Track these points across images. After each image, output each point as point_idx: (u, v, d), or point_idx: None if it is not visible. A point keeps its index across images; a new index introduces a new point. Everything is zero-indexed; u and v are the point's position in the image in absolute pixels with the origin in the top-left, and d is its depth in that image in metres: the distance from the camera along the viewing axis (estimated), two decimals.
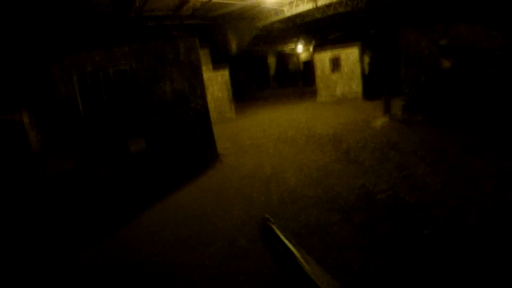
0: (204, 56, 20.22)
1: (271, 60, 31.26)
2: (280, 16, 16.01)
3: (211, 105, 18.86)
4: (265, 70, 32.29)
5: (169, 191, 8.46)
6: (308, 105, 19.41)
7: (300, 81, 28.52)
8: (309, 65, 24.64)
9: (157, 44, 8.96)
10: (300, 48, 25.57)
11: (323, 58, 19.47)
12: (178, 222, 6.62)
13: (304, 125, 13.64)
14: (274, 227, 3.25)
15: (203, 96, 9.56)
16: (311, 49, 22.99)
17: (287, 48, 27.42)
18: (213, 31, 18.47)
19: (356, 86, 17.86)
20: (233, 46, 18.36)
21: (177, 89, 9.15)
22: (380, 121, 11.20)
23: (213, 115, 18.81)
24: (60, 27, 12.55)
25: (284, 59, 31.21)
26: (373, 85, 17.42)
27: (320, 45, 20.53)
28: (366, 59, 18.05)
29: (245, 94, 28.09)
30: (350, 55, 17.78)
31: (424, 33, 11.04)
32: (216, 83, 18.93)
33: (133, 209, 7.70)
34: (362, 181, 6.97)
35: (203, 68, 20.21)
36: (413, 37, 11.24)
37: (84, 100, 11.38)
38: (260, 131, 13.97)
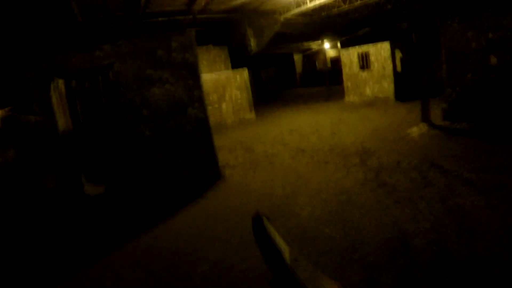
0: (222, 55, 18.74)
1: (297, 59, 29.46)
2: (302, 8, 14.23)
3: (228, 106, 17.40)
4: (291, 69, 30.49)
5: (159, 219, 6.90)
6: (335, 106, 17.53)
7: (327, 80, 26.53)
8: (337, 63, 22.64)
9: (145, 41, 7.45)
10: (327, 45, 23.61)
11: (351, 55, 17.53)
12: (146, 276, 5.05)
13: (329, 131, 11.85)
14: (266, 222, 2.66)
15: (201, 100, 7.95)
16: (339, 45, 21.03)
17: (314, 45, 25.52)
18: (230, 28, 16.90)
19: (388, 85, 15.81)
20: (252, 43, 16.70)
21: (170, 93, 7.61)
22: (417, 129, 9.27)
23: (231, 117, 17.34)
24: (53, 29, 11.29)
25: (311, 57, 29.32)
26: (407, 84, 15.32)
27: (348, 41, 18.58)
28: (398, 55, 15.98)
29: (269, 94, 26.41)
30: (381, 51, 15.72)
31: (470, 23, 9.05)
32: (235, 83, 17.33)
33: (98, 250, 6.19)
34: (394, 216, 5.16)
35: (221, 66, 18.78)
36: (457, 28, 9.26)
37: (63, 111, 10.16)
38: (278, 137, 12.28)
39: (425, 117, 9.37)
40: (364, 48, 16.62)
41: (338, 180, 7.02)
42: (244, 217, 6.16)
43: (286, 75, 30.73)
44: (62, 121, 11.37)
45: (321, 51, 27.20)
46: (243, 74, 17.67)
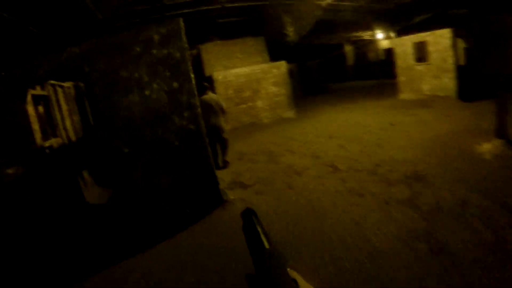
0: (258, 47, 16.55)
1: (348, 50, 26.47)
2: None
3: (264, 104, 15.18)
4: (342, 61, 27.57)
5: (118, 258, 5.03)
6: (387, 105, 14.59)
7: (380, 73, 23.40)
8: (391, 54, 19.64)
9: (118, 37, 5.51)
10: (379, 34, 20.56)
11: (405, 44, 14.58)
12: None
13: (375, 139, 9.25)
14: (255, 222, 1.38)
15: (192, 108, 5.83)
16: (392, 35, 18.04)
17: (366, 35, 22.47)
18: (266, 16, 14.63)
19: (449, 80, 12.75)
20: (291, 32, 14.32)
21: (149, 99, 5.61)
22: (489, 146, 6.50)
23: (267, 115, 15.14)
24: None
25: (363, 48, 26.19)
26: (472, 80, 12.20)
27: (403, 30, 15.59)
28: (461, 45, 12.84)
29: (316, 88, 23.82)
30: (440, 40, 12.59)
31: None
32: (271, 77, 15.10)
33: None
34: None
35: (258, 59, 16.56)
36: None
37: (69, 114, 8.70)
38: (312, 145, 9.91)
39: (501, 130, 6.58)
40: (420, 36, 13.58)
41: (371, 228, 4.63)
42: (220, 268, 4.10)
43: (336, 67, 27.86)
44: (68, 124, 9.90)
45: (374, 42, 24.07)
46: (281, 68, 15.38)
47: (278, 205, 6.01)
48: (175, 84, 5.68)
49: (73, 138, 10.06)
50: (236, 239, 4.95)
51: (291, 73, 21.05)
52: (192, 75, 5.80)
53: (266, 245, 1.40)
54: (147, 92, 5.61)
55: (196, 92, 5.86)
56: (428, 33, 13.21)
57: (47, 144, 7.83)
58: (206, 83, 9.31)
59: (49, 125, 8.68)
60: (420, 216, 4.68)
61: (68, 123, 9.81)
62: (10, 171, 9.91)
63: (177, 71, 5.69)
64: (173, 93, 5.70)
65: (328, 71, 26.13)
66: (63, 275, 4.94)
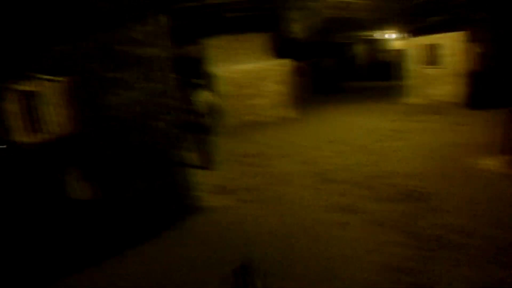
0: (263, 43, 15.99)
1: (359, 49, 25.72)
2: None
3: (265, 102, 14.64)
4: (352, 60, 26.83)
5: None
6: (394, 109, 13.79)
7: (392, 73, 22.64)
8: (402, 55, 18.92)
9: (102, 36, 5.08)
10: (391, 35, 19.83)
11: (416, 46, 13.90)
12: None
13: (376, 145, 8.63)
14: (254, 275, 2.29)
15: (171, 109, 5.37)
16: (404, 36, 17.33)
17: (377, 35, 21.73)
18: (272, 11, 14.03)
19: (460, 87, 12.02)
20: (296, 28, 13.71)
21: (131, 101, 5.18)
22: (492, 163, 5.93)
23: (268, 114, 14.58)
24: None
25: (374, 48, 25.44)
26: (485, 86, 11.50)
27: (415, 31, 14.90)
28: (475, 49, 12.12)
29: (326, 87, 23.15)
30: (453, 43, 11.81)
31: None
32: (275, 74, 14.54)
33: None
34: None
35: (263, 56, 15.98)
36: None
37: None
38: (310, 150, 9.37)
39: (507, 146, 5.99)
40: (432, 38, 12.86)
41: (355, 258, 4.08)
42: None
43: (347, 66, 27.11)
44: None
45: (385, 42, 23.32)
46: (287, 65, 14.79)
47: (256, 218, 5.51)
48: (159, 85, 5.23)
49: (65, 132, 9.70)
50: (201, 249, 4.56)
51: (301, 72, 20.45)
52: (174, 76, 5.36)
53: None
54: (129, 93, 5.18)
55: (177, 94, 5.41)
56: (441, 35, 12.51)
57: (28, 140, 7.48)
58: (198, 80, 8.84)
59: (36, 120, 8.33)
60: (414, 244, 4.12)
61: (59, 118, 9.46)
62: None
63: (158, 71, 5.22)
64: (155, 94, 5.25)
65: (340, 70, 25.41)
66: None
